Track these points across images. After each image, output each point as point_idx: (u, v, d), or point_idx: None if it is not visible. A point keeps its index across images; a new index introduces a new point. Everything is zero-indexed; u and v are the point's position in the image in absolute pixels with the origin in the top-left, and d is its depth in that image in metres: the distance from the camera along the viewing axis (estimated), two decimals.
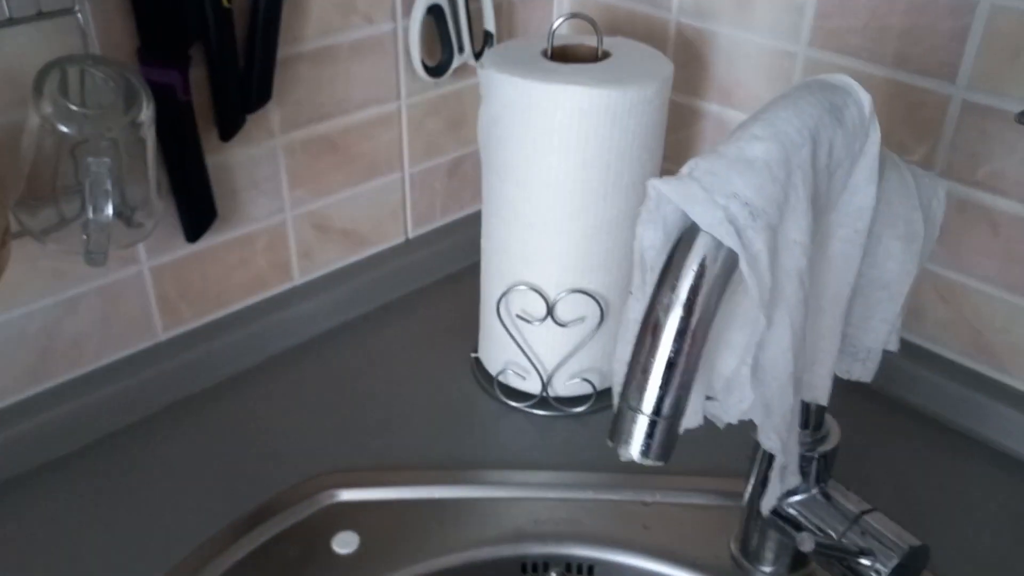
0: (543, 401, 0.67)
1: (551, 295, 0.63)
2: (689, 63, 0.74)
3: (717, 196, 0.31)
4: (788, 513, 0.51)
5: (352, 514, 0.58)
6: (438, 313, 0.78)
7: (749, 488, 0.54)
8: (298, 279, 0.74)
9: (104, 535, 0.56)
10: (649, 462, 0.32)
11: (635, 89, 0.57)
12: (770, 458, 0.49)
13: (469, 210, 0.84)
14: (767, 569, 0.54)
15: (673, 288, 0.31)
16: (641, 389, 0.32)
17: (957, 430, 0.65)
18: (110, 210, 0.48)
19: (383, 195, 0.77)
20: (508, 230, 0.63)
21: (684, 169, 0.32)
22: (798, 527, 0.51)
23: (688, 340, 0.31)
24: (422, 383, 0.69)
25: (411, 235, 0.81)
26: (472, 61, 0.75)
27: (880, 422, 0.66)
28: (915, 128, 0.62)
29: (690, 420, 0.39)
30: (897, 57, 0.62)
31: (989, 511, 0.59)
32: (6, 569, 0.53)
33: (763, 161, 0.31)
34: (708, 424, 0.59)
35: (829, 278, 0.38)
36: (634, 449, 0.32)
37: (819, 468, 0.50)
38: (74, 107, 0.48)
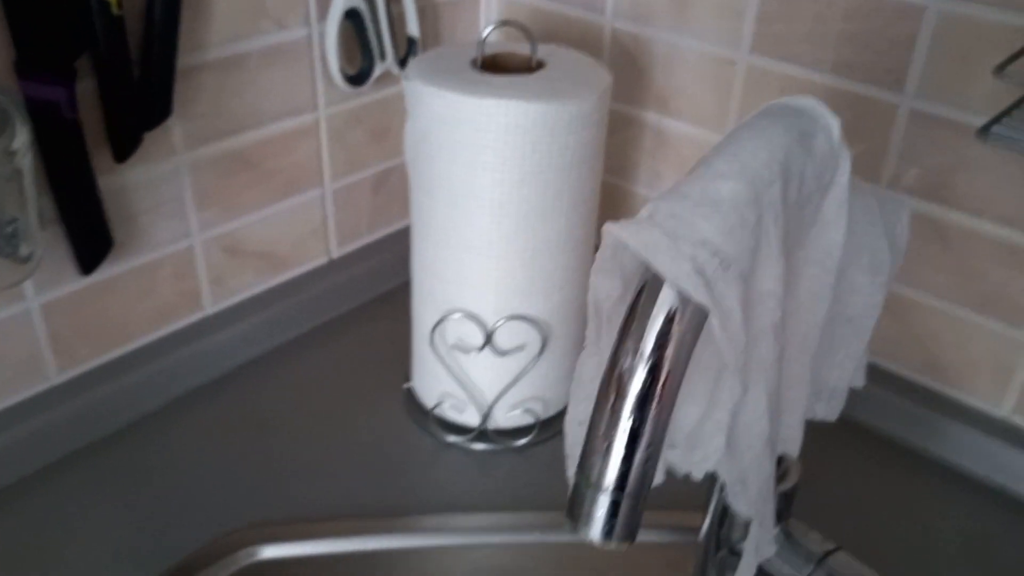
0: (483, 434, 0.63)
1: (489, 322, 0.59)
2: (625, 70, 0.70)
3: (683, 244, 0.27)
4: None
5: (275, 574, 0.52)
6: (367, 339, 0.73)
7: (706, 524, 0.51)
8: (209, 308, 0.68)
9: None
10: (613, 545, 0.28)
11: (574, 103, 0.53)
12: (723, 513, 0.46)
13: (398, 225, 0.79)
14: None
15: (636, 348, 0.27)
16: (602, 464, 0.28)
17: (909, 448, 0.63)
18: None
19: (302, 213, 0.71)
20: (440, 253, 0.58)
21: (644, 212, 0.28)
22: (759, 569, 0.48)
23: (654, 407, 0.27)
24: (350, 419, 0.64)
25: (335, 255, 0.75)
26: (395, 69, 0.70)
27: (830, 440, 0.63)
28: (862, 139, 0.60)
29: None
30: (843, 65, 0.59)
31: (943, 531, 0.57)
32: None
33: (731, 202, 0.28)
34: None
35: (798, 321, 0.34)
36: (595, 531, 0.28)
37: (779, 507, 0.47)
38: None
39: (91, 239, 0.57)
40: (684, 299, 0.27)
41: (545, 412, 0.63)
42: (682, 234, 0.27)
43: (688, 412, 0.35)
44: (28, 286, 0.56)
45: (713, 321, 0.27)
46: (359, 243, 0.77)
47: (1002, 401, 0.60)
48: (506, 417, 0.62)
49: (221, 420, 0.63)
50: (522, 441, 0.62)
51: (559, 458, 0.62)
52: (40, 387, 0.59)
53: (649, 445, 0.27)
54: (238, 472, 0.59)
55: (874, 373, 0.64)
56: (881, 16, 0.56)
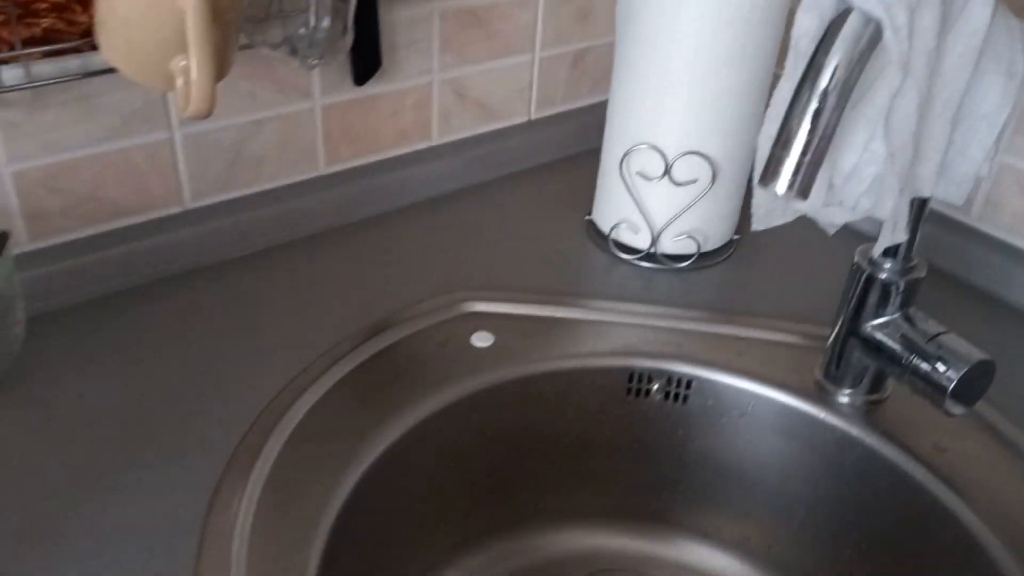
0: (650, 256, 0.75)
1: (670, 155, 0.71)
2: None
3: None
4: (872, 336, 0.59)
5: (486, 320, 0.67)
6: (555, 186, 0.87)
7: (836, 327, 0.62)
8: (436, 139, 0.83)
9: (268, 321, 0.66)
10: (792, 195, 0.40)
11: None
12: (859, 300, 0.57)
13: (586, 101, 0.93)
14: (847, 390, 0.62)
15: (825, 57, 0.39)
16: (791, 138, 0.40)
17: None
18: (327, 21, 0.58)
19: (514, 74, 0.85)
20: (637, 92, 0.71)
21: None
22: (880, 349, 0.59)
23: (832, 99, 0.39)
24: (539, 236, 0.78)
25: (533, 116, 0.90)
26: None
27: (952, 302, 0.73)
28: None
29: (813, 203, 0.48)
30: None
31: None
32: (169, 345, 0.64)
33: None
34: (803, 274, 0.67)
35: (943, 87, 0.45)
36: (781, 184, 0.40)
37: (905, 295, 0.58)
38: None
39: (367, 57, 0.73)
40: (864, 24, 0.39)
41: (705, 244, 0.76)
42: None
43: (848, 159, 0.47)
44: (315, 87, 0.73)
45: (887, 32, 0.38)
46: (553, 110, 0.91)
47: None
48: (672, 243, 0.75)
49: (439, 226, 0.79)
50: (683, 264, 0.75)
51: (712, 283, 0.74)
52: (312, 174, 0.76)
53: (825, 127, 0.40)
54: (450, 261, 0.74)
55: (998, 245, 0.73)
56: None
